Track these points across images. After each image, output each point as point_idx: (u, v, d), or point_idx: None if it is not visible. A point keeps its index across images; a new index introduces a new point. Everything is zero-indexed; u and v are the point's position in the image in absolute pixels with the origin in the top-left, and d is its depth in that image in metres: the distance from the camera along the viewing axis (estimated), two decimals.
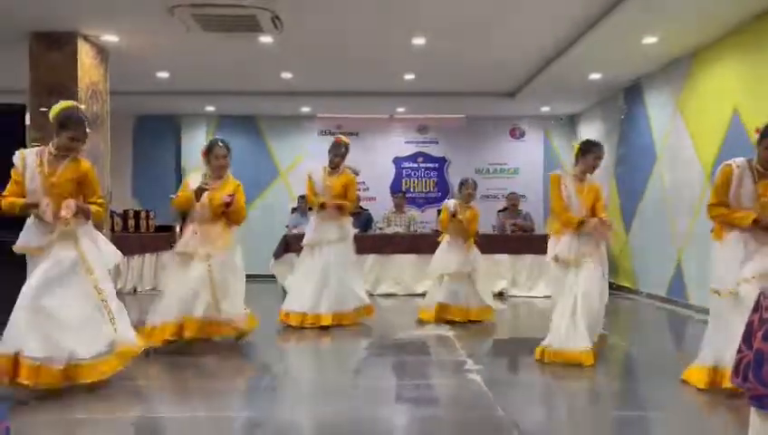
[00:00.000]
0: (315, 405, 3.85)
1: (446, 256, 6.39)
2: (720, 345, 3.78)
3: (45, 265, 3.69)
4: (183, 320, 4.82)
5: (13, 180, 3.83)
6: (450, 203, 6.51)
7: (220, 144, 5.13)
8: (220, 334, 5.05)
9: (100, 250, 3.95)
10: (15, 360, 3.53)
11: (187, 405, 3.88)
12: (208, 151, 5.14)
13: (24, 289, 3.65)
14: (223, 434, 3.32)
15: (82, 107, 4.13)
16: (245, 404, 3.93)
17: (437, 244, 6.60)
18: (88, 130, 3.89)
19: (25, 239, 3.78)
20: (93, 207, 3.93)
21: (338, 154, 6.21)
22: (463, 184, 6.59)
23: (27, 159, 3.81)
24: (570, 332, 4.54)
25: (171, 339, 4.82)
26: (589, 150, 4.83)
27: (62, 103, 3.90)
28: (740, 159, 3.93)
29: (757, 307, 1.76)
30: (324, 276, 6.04)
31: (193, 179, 5.13)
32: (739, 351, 1.82)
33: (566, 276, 4.65)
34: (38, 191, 3.76)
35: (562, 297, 4.64)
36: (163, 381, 4.35)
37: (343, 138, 6.39)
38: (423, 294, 8.44)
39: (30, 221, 3.83)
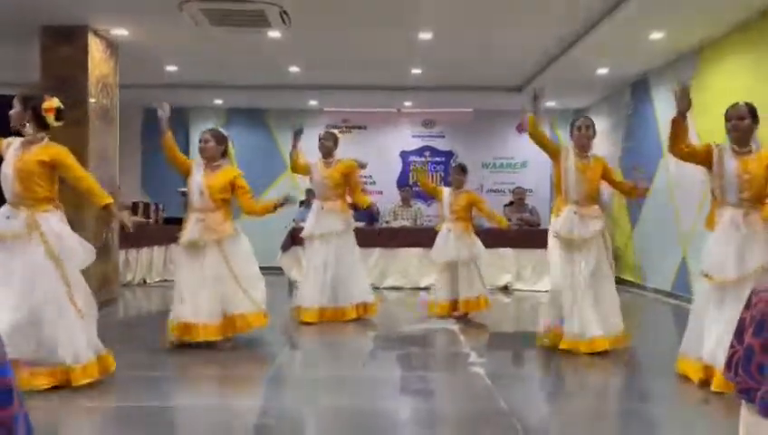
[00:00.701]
0: (320, 396, 3.90)
1: (445, 243, 6.32)
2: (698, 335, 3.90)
3: (19, 271, 3.65)
4: (223, 320, 4.72)
5: None
6: (446, 191, 6.47)
7: (204, 131, 5.04)
8: (252, 328, 4.90)
9: (69, 247, 3.81)
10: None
11: (193, 394, 3.95)
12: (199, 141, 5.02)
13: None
14: (226, 423, 3.38)
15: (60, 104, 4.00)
16: (251, 394, 3.99)
17: None
18: (18, 102, 3.84)
19: None
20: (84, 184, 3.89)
21: (324, 139, 6.20)
22: (451, 172, 6.62)
23: (11, 145, 3.86)
24: (580, 320, 4.59)
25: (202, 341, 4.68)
26: (572, 126, 4.94)
27: None
28: (720, 143, 4.09)
29: (749, 304, 1.81)
30: (337, 268, 6.00)
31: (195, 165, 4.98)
32: (731, 346, 1.87)
33: (570, 262, 4.67)
34: (8, 176, 3.79)
35: (569, 287, 4.64)
36: (170, 371, 4.42)
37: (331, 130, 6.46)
38: (428, 288, 8.53)
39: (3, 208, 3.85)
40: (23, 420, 1.38)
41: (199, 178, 4.88)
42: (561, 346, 4.69)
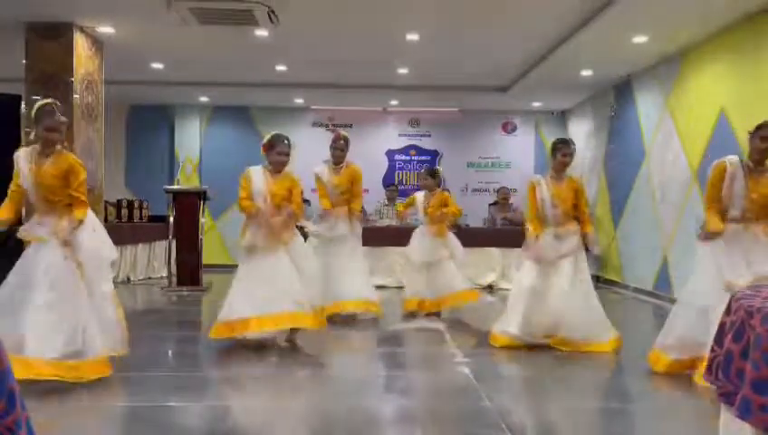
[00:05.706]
0: (303, 395, 3.93)
1: (420, 243, 6.42)
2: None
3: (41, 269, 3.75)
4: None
5: (13, 181, 3.93)
6: (420, 195, 6.62)
7: (285, 141, 5.07)
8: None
9: (98, 244, 3.98)
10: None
11: (181, 395, 3.96)
12: (270, 147, 5.02)
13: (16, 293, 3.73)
14: (211, 421, 3.40)
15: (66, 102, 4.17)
16: (236, 393, 4.01)
17: None
18: (63, 119, 3.95)
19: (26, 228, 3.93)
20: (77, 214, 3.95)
21: (337, 147, 6.04)
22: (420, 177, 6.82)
23: (20, 160, 3.91)
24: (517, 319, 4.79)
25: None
26: (556, 149, 5.02)
27: (38, 102, 3.96)
28: (733, 157, 4.09)
29: (729, 310, 1.87)
30: (339, 271, 5.96)
31: (254, 172, 5.03)
32: (712, 350, 1.94)
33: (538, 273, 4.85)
34: (30, 189, 3.88)
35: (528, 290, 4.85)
36: (167, 370, 4.42)
37: (342, 132, 6.27)
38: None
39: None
40: (24, 423, 1.41)
41: (262, 185, 4.94)
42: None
